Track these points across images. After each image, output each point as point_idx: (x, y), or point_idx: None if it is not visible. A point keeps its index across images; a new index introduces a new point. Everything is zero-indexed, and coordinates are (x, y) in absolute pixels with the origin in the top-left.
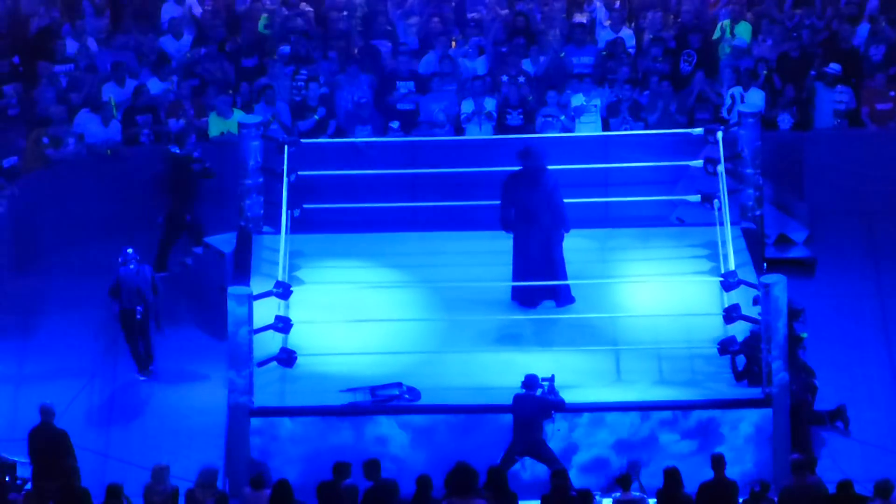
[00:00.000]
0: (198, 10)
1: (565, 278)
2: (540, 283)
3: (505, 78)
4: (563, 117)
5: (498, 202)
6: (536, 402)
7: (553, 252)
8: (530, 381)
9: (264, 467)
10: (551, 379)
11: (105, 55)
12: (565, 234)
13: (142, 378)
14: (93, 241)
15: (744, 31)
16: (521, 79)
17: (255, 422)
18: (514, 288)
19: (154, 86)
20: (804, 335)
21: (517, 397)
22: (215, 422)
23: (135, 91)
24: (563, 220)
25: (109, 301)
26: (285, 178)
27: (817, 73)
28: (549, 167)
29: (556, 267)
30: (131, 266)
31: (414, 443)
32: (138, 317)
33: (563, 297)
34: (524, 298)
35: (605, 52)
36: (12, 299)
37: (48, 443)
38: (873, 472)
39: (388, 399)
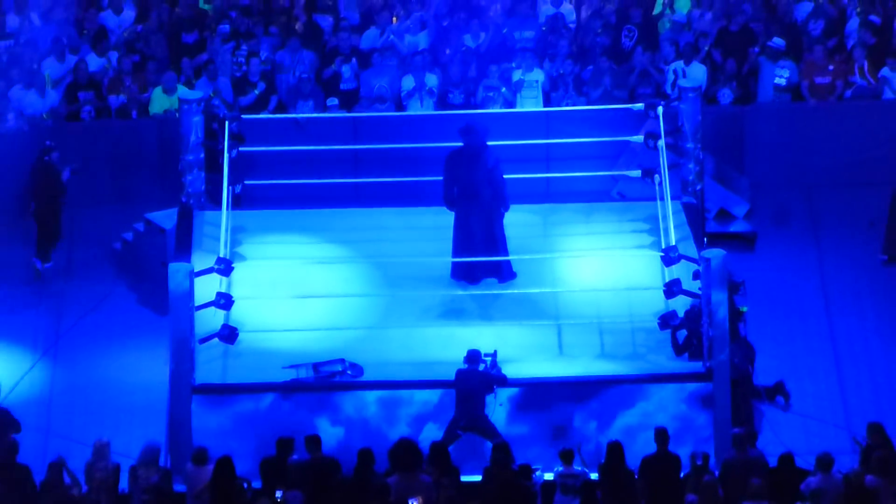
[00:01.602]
0: None
1: (507, 254)
2: (481, 258)
3: (447, 53)
4: (504, 89)
5: (440, 178)
6: (478, 376)
7: (494, 228)
8: (472, 356)
9: (206, 443)
10: (493, 354)
11: (46, 30)
12: (505, 212)
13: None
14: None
15: (683, 5)
16: (462, 54)
17: (197, 398)
18: (454, 264)
19: (94, 61)
20: (744, 309)
21: (459, 372)
22: (157, 398)
23: (74, 67)
24: (504, 197)
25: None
26: (226, 154)
27: (761, 48)
28: (491, 143)
29: (497, 243)
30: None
31: (356, 419)
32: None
33: (504, 273)
34: (465, 274)
35: (545, 28)
36: None
37: None
38: (814, 446)
39: (330, 375)
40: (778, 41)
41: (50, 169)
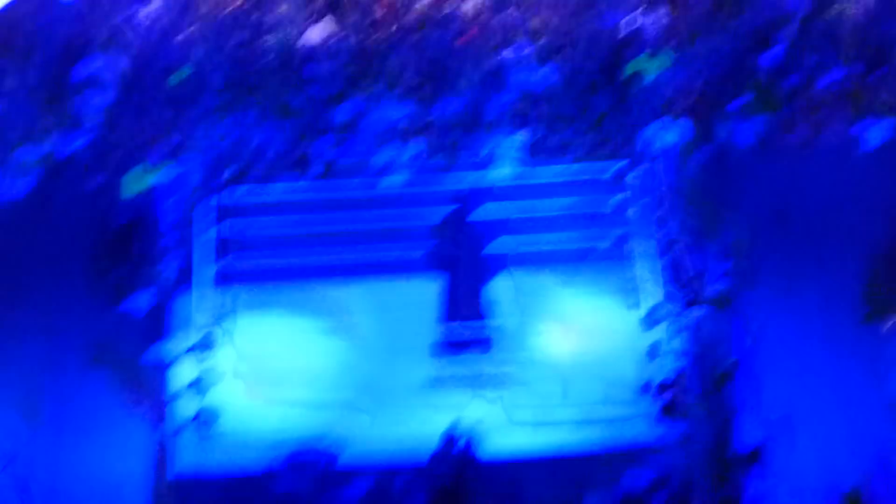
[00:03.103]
0: (113, 66)
1: (490, 323)
2: (466, 327)
3: (423, 124)
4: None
5: (422, 250)
6: (452, 460)
7: (482, 297)
8: (448, 439)
9: None
10: (471, 435)
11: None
12: (491, 279)
13: None
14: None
15: (660, 63)
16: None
17: (179, 489)
18: (442, 334)
19: (71, 142)
20: (728, 368)
21: (433, 456)
22: (138, 490)
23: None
24: (491, 267)
25: None
26: (207, 232)
27: (732, 105)
28: (474, 213)
29: (484, 312)
30: None
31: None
32: None
33: (489, 342)
34: (452, 345)
35: (521, 95)
36: None
37: None
38: None
39: (311, 461)
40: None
41: None
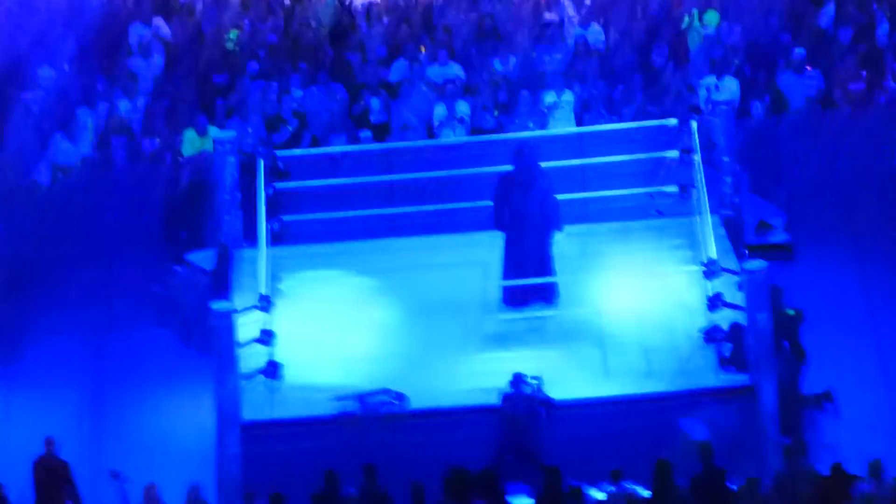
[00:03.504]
0: (165, 31)
1: (554, 276)
2: (530, 281)
3: (477, 81)
4: (531, 123)
5: (475, 204)
6: (525, 400)
7: (546, 251)
8: (518, 380)
9: (256, 481)
10: (539, 378)
11: (75, 79)
12: (558, 233)
13: None
14: (79, 263)
15: (711, 19)
16: (494, 80)
17: (245, 436)
18: (505, 289)
19: (125, 107)
20: (791, 312)
21: (505, 396)
22: (205, 439)
23: (107, 112)
24: (557, 219)
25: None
26: (262, 192)
27: (785, 61)
28: (532, 168)
29: (547, 266)
30: None
31: (405, 449)
32: None
33: (551, 296)
34: (515, 299)
35: (575, 50)
36: (2, 325)
37: (51, 473)
38: (863, 454)
39: (377, 406)
40: (799, 51)
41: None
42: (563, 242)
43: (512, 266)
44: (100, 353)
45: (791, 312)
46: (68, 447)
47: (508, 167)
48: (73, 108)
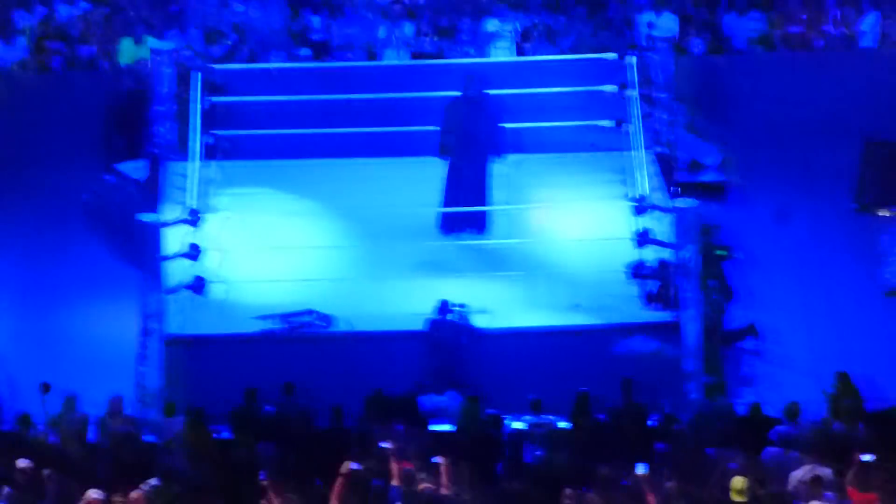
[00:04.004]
0: None
1: (490, 205)
2: (468, 209)
3: (420, 4)
4: (471, 50)
5: (413, 129)
6: (448, 327)
7: (486, 178)
8: (443, 307)
9: (176, 394)
10: (463, 305)
11: None
12: (499, 160)
13: None
14: (9, 167)
15: None
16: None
17: (168, 349)
18: (442, 215)
19: (63, 12)
20: (723, 252)
21: (429, 322)
22: (128, 350)
23: (44, 17)
24: (502, 146)
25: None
26: (198, 105)
27: (728, 1)
28: (473, 96)
29: (485, 194)
30: None
31: (326, 370)
32: None
33: (486, 224)
34: (451, 226)
35: None
36: None
37: None
38: (784, 396)
39: (300, 325)
40: None
41: None
42: (497, 171)
43: (452, 192)
44: (26, 260)
45: (721, 251)
46: None
47: (448, 93)
48: (8, 11)
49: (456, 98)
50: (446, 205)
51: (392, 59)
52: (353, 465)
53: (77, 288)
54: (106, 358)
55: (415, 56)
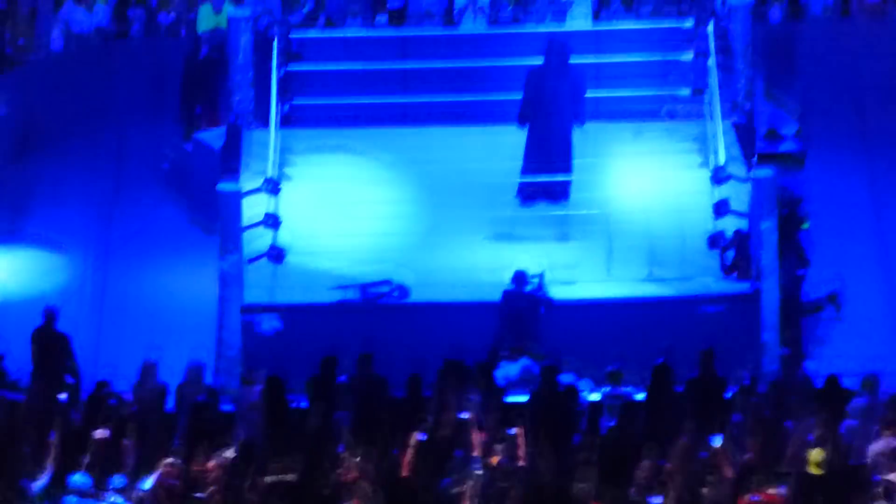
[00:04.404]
0: None
1: (570, 174)
2: (550, 178)
3: None
4: (549, 17)
5: (491, 97)
6: (525, 297)
7: (569, 146)
8: (519, 277)
9: (255, 363)
10: (541, 275)
11: None
12: (580, 127)
13: None
14: (89, 133)
15: None
16: None
17: (246, 318)
18: (521, 183)
19: None
20: (806, 224)
21: (506, 293)
22: (206, 317)
23: None
24: (583, 114)
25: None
26: (274, 73)
27: None
28: (551, 63)
29: (568, 162)
30: None
31: (405, 339)
32: None
33: (566, 193)
34: (531, 194)
35: None
36: (9, 190)
37: (49, 344)
38: (862, 366)
39: (378, 296)
40: None
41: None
42: (574, 139)
43: (532, 161)
44: (106, 226)
45: (804, 224)
46: (69, 317)
47: (525, 60)
48: None
49: (538, 66)
50: (526, 172)
51: (469, 26)
52: (420, 436)
53: (156, 255)
54: (184, 326)
55: (492, 23)
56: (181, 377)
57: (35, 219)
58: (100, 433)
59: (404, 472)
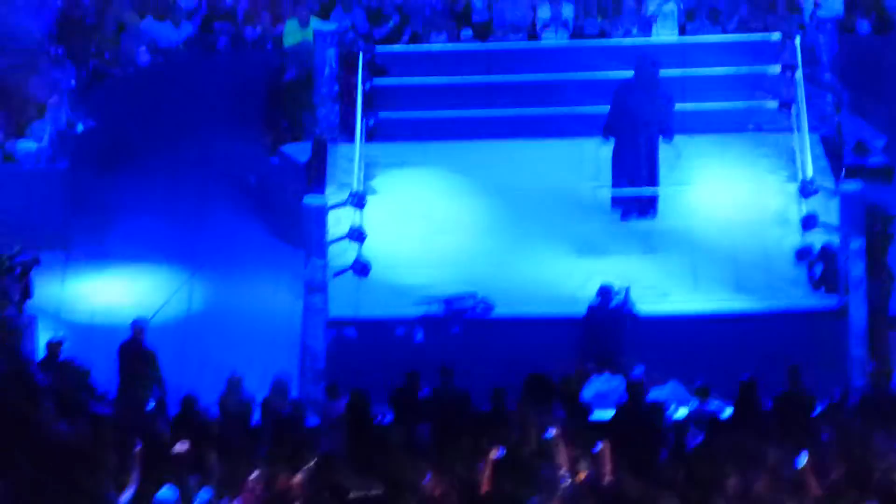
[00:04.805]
0: None
1: (657, 186)
2: (641, 191)
3: None
4: (634, 30)
5: (583, 109)
6: (610, 312)
7: (656, 160)
8: (604, 292)
9: (340, 376)
10: (626, 289)
11: None
12: (669, 142)
13: None
14: (175, 147)
15: None
16: None
17: (331, 331)
18: (613, 197)
19: None
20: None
21: (591, 308)
22: (291, 331)
23: None
24: (671, 129)
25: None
26: (360, 87)
27: None
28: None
29: (655, 176)
30: None
31: (488, 353)
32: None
33: (654, 206)
34: (623, 208)
35: None
36: (97, 204)
37: (136, 359)
38: None
39: (462, 310)
40: None
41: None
42: (661, 152)
43: (621, 173)
44: (192, 238)
45: (886, 236)
46: (156, 331)
47: (611, 73)
48: None
49: (627, 80)
50: (614, 186)
51: (552, 39)
52: (499, 453)
53: (242, 268)
54: (271, 339)
55: (576, 36)
56: (267, 390)
57: (120, 232)
58: (179, 446)
59: (484, 488)
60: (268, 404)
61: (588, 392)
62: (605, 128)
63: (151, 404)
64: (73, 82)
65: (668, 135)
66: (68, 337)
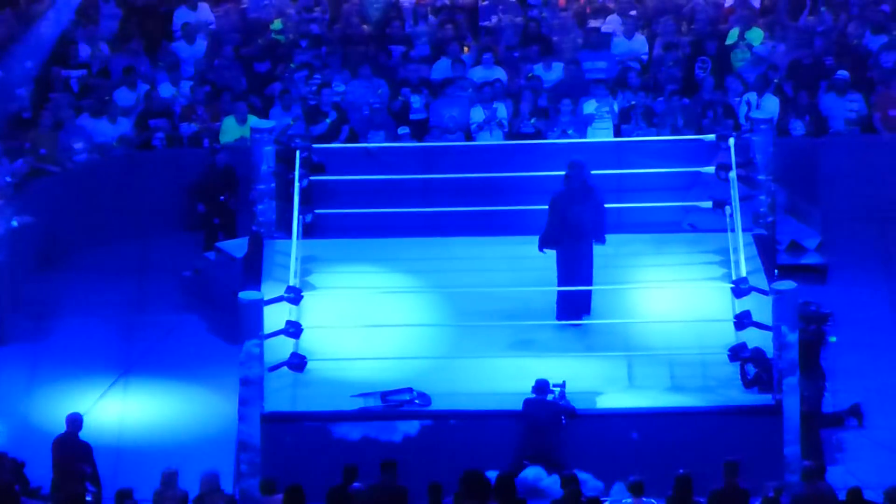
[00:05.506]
0: (210, 16)
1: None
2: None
3: (518, 86)
4: (570, 131)
5: (510, 208)
6: (547, 407)
7: (591, 263)
8: (541, 386)
9: (275, 472)
10: (562, 385)
11: (117, 60)
12: (602, 245)
13: None
14: (111, 244)
15: (755, 37)
16: (536, 85)
17: (266, 426)
18: (560, 305)
19: (166, 90)
20: (833, 339)
21: (527, 402)
22: (227, 427)
23: (146, 95)
24: (604, 232)
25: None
26: (297, 183)
27: (828, 83)
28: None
29: (590, 277)
30: None
31: (424, 448)
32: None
33: (589, 307)
34: (569, 312)
35: (618, 60)
36: (32, 301)
37: (71, 453)
38: (886, 479)
39: (398, 404)
40: (842, 73)
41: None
42: (596, 251)
43: (567, 283)
44: (128, 334)
45: (833, 339)
46: (91, 426)
47: (547, 173)
48: (112, 89)
49: (561, 189)
50: (562, 293)
51: (487, 139)
52: None
53: (177, 364)
54: (206, 434)
55: (513, 137)
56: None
57: (58, 331)
58: None
59: None
60: (202, 500)
61: (524, 488)
62: (542, 236)
63: (88, 499)
64: (8, 178)
65: (601, 240)
66: (3, 430)
